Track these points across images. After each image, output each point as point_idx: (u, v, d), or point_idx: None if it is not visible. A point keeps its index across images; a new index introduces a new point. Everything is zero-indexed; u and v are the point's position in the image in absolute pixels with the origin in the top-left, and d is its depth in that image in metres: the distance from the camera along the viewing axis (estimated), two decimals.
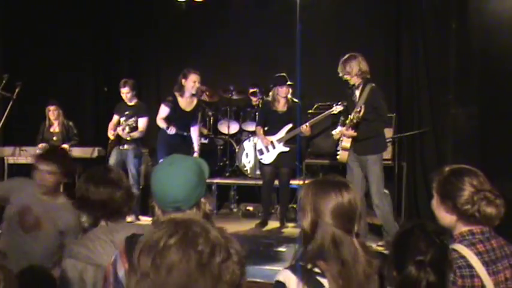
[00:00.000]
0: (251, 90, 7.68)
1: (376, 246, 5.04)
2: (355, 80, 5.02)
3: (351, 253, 1.82)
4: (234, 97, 7.85)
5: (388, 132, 6.51)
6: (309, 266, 1.83)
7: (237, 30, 8.04)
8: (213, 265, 1.07)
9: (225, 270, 1.08)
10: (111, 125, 6.50)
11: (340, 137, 5.14)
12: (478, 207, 2.07)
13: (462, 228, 2.11)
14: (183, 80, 5.81)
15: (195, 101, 6.00)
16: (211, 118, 7.95)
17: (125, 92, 6.40)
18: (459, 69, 5.72)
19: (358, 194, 1.94)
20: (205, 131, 7.69)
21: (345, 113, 5.38)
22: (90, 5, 8.12)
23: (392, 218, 5.12)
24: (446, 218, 2.16)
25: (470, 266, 1.97)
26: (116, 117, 6.52)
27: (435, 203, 2.22)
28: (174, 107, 5.86)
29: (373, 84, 5.05)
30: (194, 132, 6.07)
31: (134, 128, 6.30)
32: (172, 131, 5.71)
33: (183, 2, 7.92)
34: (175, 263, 1.05)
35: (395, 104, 7.04)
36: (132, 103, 6.46)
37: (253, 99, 7.68)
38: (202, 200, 2.01)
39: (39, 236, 3.15)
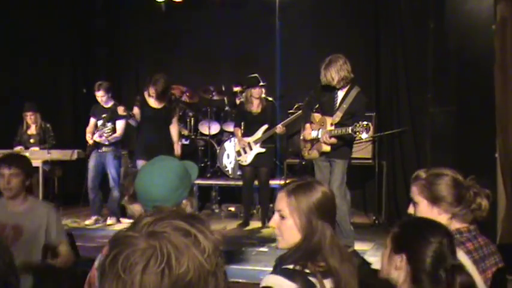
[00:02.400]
0: (235, 89, 7.65)
1: None
2: (338, 86, 4.90)
3: (339, 250, 1.84)
4: (215, 98, 7.82)
5: None
6: (298, 268, 1.79)
7: (217, 31, 8.02)
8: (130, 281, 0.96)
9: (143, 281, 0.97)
10: (89, 128, 6.39)
11: (313, 139, 5.06)
12: (475, 203, 2.12)
13: (452, 227, 2.12)
14: (149, 84, 5.80)
15: (165, 99, 5.90)
16: (192, 119, 7.91)
17: (100, 96, 6.30)
18: (437, 68, 5.79)
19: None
20: (186, 132, 7.65)
21: (312, 104, 5.23)
22: (67, 4, 8.02)
23: (348, 220, 5.01)
24: (439, 219, 2.13)
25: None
26: (92, 120, 6.42)
27: (424, 208, 2.20)
28: (142, 106, 5.82)
29: (359, 90, 4.94)
30: (172, 130, 5.95)
31: (113, 131, 6.24)
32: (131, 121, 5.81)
33: (162, 2, 7.87)
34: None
35: (374, 103, 7.10)
36: (109, 105, 6.37)
37: (237, 99, 7.63)
38: (184, 201, 2.02)
39: (21, 245, 3.14)
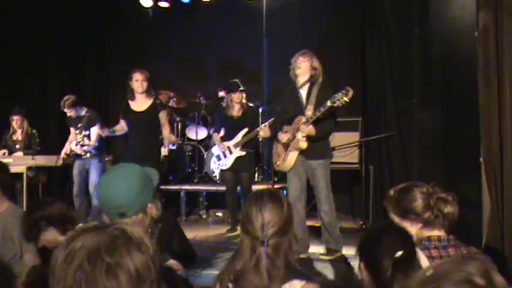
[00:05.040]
0: (220, 94, 7.63)
1: (320, 256, 4.81)
2: (305, 78, 4.81)
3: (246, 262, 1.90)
4: (202, 103, 7.82)
5: (355, 137, 6.62)
6: None
7: (204, 37, 8.03)
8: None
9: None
10: (70, 137, 6.36)
11: (289, 139, 4.87)
12: (438, 209, 2.19)
13: (423, 235, 2.19)
14: (130, 83, 5.59)
15: (150, 101, 5.61)
16: (179, 124, 7.90)
17: (67, 112, 6.27)
18: (422, 73, 5.84)
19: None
20: (173, 138, 7.61)
21: (280, 118, 5.12)
22: (55, 10, 7.99)
23: (337, 224, 4.93)
24: (411, 230, 2.21)
25: (419, 267, 2.02)
26: (72, 130, 6.39)
27: (397, 223, 2.28)
28: (125, 111, 5.63)
29: (320, 85, 4.84)
30: (164, 132, 5.75)
31: (89, 138, 6.16)
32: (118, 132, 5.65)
33: (149, 8, 7.87)
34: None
35: (361, 108, 7.14)
36: (82, 114, 6.31)
37: (223, 104, 7.60)
38: (149, 205, 2.02)
39: None
